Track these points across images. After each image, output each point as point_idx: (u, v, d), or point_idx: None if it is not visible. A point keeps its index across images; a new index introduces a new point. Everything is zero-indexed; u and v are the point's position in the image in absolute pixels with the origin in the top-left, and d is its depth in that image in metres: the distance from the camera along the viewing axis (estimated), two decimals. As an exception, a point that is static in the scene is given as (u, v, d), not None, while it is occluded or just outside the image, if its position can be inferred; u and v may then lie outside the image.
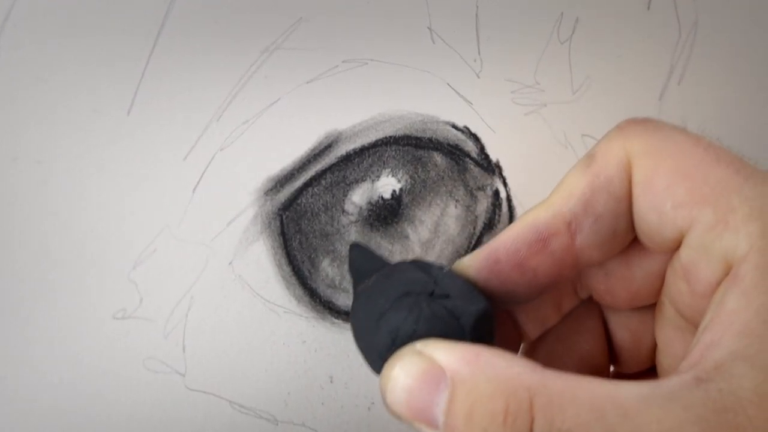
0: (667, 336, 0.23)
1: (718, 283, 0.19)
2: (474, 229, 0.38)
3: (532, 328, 0.26)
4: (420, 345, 0.19)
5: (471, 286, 0.22)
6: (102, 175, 0.33)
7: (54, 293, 0.33)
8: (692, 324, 0.21)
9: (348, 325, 0.37)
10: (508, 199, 0.39)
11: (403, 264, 0.23)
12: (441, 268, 0.22)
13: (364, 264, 0.24)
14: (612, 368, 0.27)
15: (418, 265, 0.22)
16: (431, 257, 0.38)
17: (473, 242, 0.38)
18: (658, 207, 0.20)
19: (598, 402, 0.16)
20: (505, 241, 0.22)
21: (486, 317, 0.21)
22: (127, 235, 0.33)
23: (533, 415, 0.17)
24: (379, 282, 0.22)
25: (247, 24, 0.33)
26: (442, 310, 0.20)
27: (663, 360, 0.24)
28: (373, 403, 0.38)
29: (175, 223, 0.34)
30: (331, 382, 0.37)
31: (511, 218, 0.39)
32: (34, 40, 0.31)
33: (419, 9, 0.35)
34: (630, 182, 0.21)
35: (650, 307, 0.24)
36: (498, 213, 0.39)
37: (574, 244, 0.22)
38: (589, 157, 0.22)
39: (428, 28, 0.36)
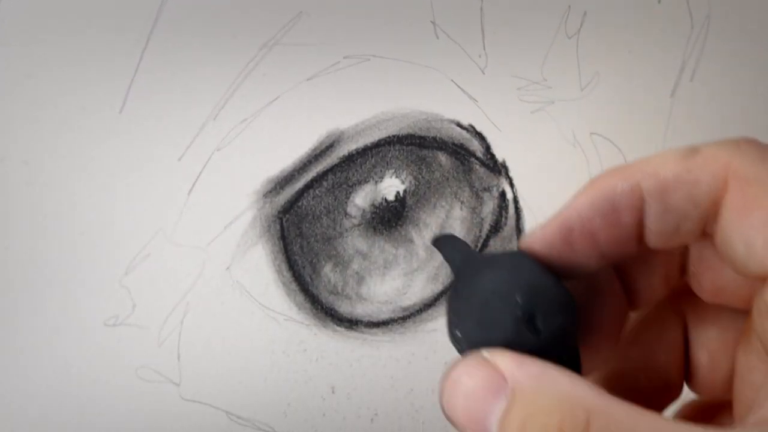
0: (750, 363, 0.23)
1: None
2: (480, 231, 0.38)
3: (642, 296, 0.26)
4: (487, 353, 0.19)
5: (561, 289, 0.22)
6: (92, 176, 0.33)
7: (43, 299, 0.32)
8: None
9: (350, 333, 0.37)
10: (515, 200, 0.39)
11: (487, 263, 0.23)
12: (520, 260, 0.22)
13: (451, 254, 0.25)
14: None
15: (499, 264, 0.22)
16: (436, 261, 0.38)
17: (479, 245, 0.38)
18: (749, 241, 0.20)
19: None
20: (577, 208, 0.22)
21: (569, 331, 0.21)
22: (119, 239, 0.33)
23: None
24: (468, 287, 0.22)
25: (245, 19, 0.33)
26: (524, 330, 0.20)
27: (740, 388, 0.24)
28: (376, 414, 0.37)
29: (170, 226, 0.34)
30: (333, 392, 0.37)
31: (518, 220, 0.39)
32: (21, 34, 0.31)
33: (422, 3, 0.35)
34: (716, 196, 0.21)
35: (734, 329, 0.24)
36: (504, 215, 0.39)
37: (644, 222, 0.22)
38: (692, 150, 0.21)
39: (432, 22, 0.36)
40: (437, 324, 0.38)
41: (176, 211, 0.34)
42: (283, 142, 0.35)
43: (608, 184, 0.22)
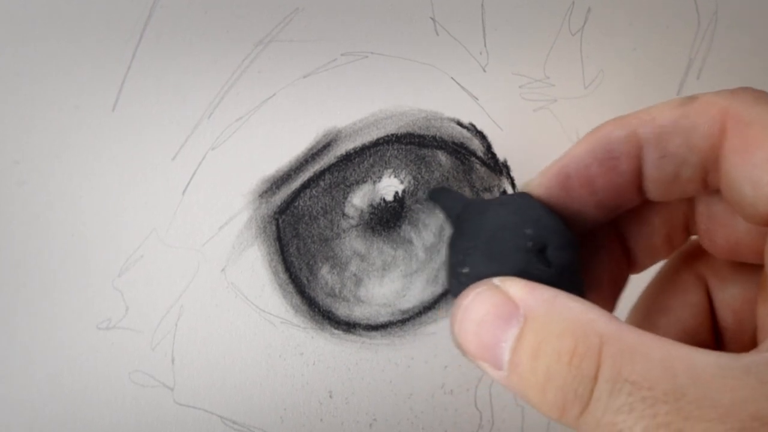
0: None
1: None
2: None
3: (642, 257, 0.26)
4: (498, 280, 0.20)
5: (567, 228, 0.22)
6: (85, 176, 0.32)
7: (33, 302, 0.32)
8: None
9: (348, 337, 0.37)
10: None
11: (492, 203, 0.23)
12: (526, 199, 0.23)
13: (451, 203, 0.25)
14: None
15: (505, 203, 0.23)
16: (436, 263, 0.37)
17: None
18: (755, 180, 0.20)
19: (672, 362, 0.17)
20: (576, 156, 0.22)
21: (576, 267, 0.21)
22: (112, 240, 0.33)
23: (600, 361, 0.17)
24: (474, 225, 0.22)
25: (240, 15, 0.33)
26: (534, 261, 0.21)
27: (764, 339, 0.24)
28: (375, 419, 0.37)
29: (164, 227, 0.34)
30: (331, 397, 0.36)
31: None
32: (10, 31, 0.31)
33: (422, -1, 0.35)
34: (714, 141, 0.21)
35: (755, 285, 0.24)
36: None
37: (642, 170, 0.22)
38: (689, 98, 0.22)
39: (431, 18, 0.36)
40: (437, 327, 0.38)
41: (170, 212, 0.34)
42: (279, 141, 0.35)
43: (606, 131, 0.22)
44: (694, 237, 0.26)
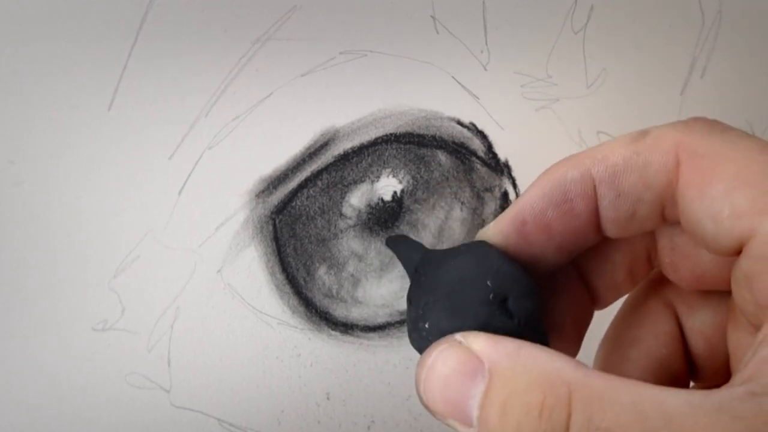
0: (739, 341, 0.23)
1: None
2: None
3: (604, 293, 0.26)
4: (460, 335, 0.20)
5: (527, 276, 0.22)
6: (80, 176, 0.32)
7: (29, 303, 0.32)
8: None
9: (345, 338, 0.37)
10: None
11: (450, 254, 0.23)
12: (484, 249, 0.22)
13: (408, 253, 0.25)
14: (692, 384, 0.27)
15: (463, 253, 0.23)
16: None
17: None
18: (715, 214, 0.20)
19: (642, 405, 0.17)
20: (531, 200, 0.22)
21: (539, 312, 0.21)
22: (107, 241, 0.33)
23: (570, 410, 0.17)
24: (433, 277, 0.22)
25: (237, 13, 0.33)
26: (496, 313, 0.21)
27: (736, 368, 0.24)
28: (372, 421, 0.37)
29: (160, 227, 0.33)
30: (328, 398, 0.36)
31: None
32: (6, 30, 0.30)
33: (422, -3, 0.35)
34: (669, 176, 0.21)
35: (723, 309, 0.24)
36: None
37: (599, 209, 0.22)
38: (641, 134, 0.22)
39: (431, 16, 0.35)
40: (436, 329, 0.38)
41: (166, 212, 0.34)
42: (277, 140, 0.34)
43: (559, 173, 0.22)
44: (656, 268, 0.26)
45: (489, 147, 0.37)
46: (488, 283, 0.21)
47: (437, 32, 0.36)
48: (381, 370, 0.37)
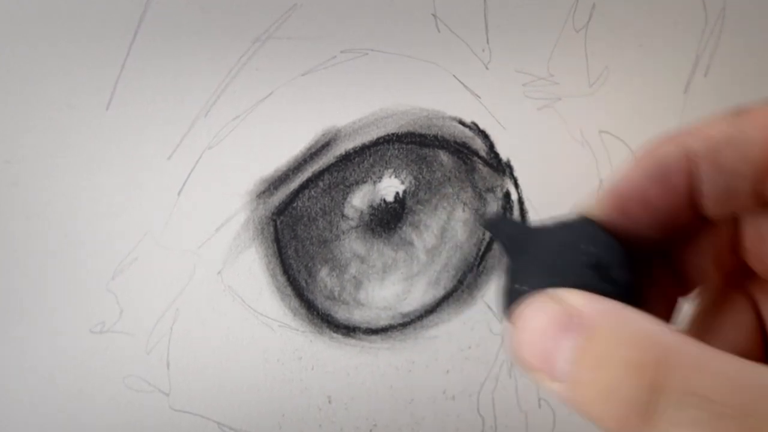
0: None
1: None
2: (483, 234, 0.38)
3: (691, 281, 0.26)
4: (561, 291, 0.20)
5: (623, 247, 0.22)
6: (78, 177, 0.32)
7: (25, 305, 0.32)
8: None
9: (347, 341, 0.37)
10: (520, 201, 0.38)
11: (551, 225, 0.24)
12: (585, 221, 0.23)
13: (510, 231, 0.25)
14: None
15: (566, 225, 0.23)
16: (438, 265, 0.37)
17: (482, 248, 0.38)
18: None
19: (741, 377, 0.17)
20: (631, 177, 0.23)
21: (637, 284, 0.22)
22: (105, 242, 0.33)
23: (667, 372, 0.17)
24: (533, 246, 0.23)
25: (237, 11, 0.33)
26: (596, 278, 0.21)
27: None
28: (375, 425, 0.37)
29: (159, 228, 0.33)
30: (330, 402, 0.36)
31: (523, 222, 0.38)
32: (3, 28, 0.30)
33: (423, -5, 0.35)
34: None
35: None
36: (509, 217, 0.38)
37: (698, 186, 0.22)
38: (741, 111, 0.22)
39: (433, 15, 0.35)
40: (438, 331, 0.37)
41: (165, 213, 0.33)
42: (277, 140, 0.34)
43: (660, 150, 0.22)
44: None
45: (491, 147, 0.37)
46: (591, 249, 0.22)
47: (438, 31, 0.36)
48: (383, 374, 0.37)
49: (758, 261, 0.24)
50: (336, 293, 0.36)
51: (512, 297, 0.21)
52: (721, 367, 0.17)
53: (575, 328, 0.18)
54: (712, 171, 0.22)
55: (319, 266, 0.36)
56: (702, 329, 0.26)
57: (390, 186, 0.36)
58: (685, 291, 0.26)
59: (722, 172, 0.21)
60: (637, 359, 0.17)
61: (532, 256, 0.22)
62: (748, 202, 0.22)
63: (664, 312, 0.26)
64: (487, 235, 0.38)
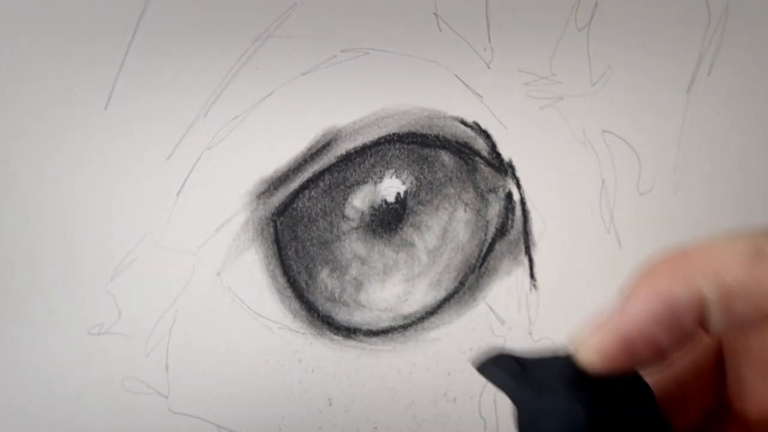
0: None
1: None
2: (485, 235, 0.38)
3: (675, 423, 0.26)
4: None
5: (654, 411, 0.22)
6: (76, 177, 0.32)
7: (23, 306, 0.32)
8: None
9: (348, 343, 0.36)
10: (522, 202, 0.38)
11: (553, 386, 0.23)
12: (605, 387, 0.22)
13: (507, 375, 0.24)
14: None
15: (575, 380, 0.22)
16: (439, 267, 0.37)
17: (484, 249, 0.38)
18: None
19: None
20: (638, 320, 0.22)
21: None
22: (104, 243, 0.33)
23: None
24: (537, 413, 0.22)
25: (237, 10, 0.33)
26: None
27: None
28: (375, 427, 0.37)
29: (158, 229, 0.33)
30: (330, 404, 0.36)
31: (526, 223, 0.38)
32: (1, 27, 0.30)
33: (424, -6, 0.35)
34: None
35: None
36: (511, 217, 0.38)
37: (706, 321, 0.21)
38: (758, 253, 0.21)
39: (434, 14, 0.35)
40: (440, 332, 0.37)
41: (164, 214, 0.33)
42: (277, 140, 0.34)
43: (668, 290, 0.21)
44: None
45: (493, 147, 0.37)
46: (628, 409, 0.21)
47: (440, 30, 0.36)
48: (384, 376, 0.37)
49: (736, 399, 0.24)
50: (336, 295, 0.36)
51: None
52: None
53: None
54: (724, 314, 0.21)
55: (319, 267, 0.36)
56: None
57: (391, 186, 0.36)
58: None
59: (734, 318, 0.21)
60: None
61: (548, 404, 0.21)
62: (757, 331, 0.22)
63: None
64: (489, 236, 0.38)
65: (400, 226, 0.36)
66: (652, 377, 0.24)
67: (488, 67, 0.37)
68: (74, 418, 0.33)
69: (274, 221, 0.35)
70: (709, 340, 0.22)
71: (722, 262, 0.21)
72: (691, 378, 0.24)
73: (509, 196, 0.38)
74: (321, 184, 0.35)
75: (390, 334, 0.37)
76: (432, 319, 0.37)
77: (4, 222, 0.31)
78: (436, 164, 0.37)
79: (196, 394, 0.34)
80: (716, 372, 0.24)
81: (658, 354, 0.21)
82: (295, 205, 0.35)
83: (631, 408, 0.21)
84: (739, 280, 0.20)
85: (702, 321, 0.21)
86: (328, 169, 0.35)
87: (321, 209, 0.35)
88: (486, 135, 0.37)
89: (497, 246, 0.38)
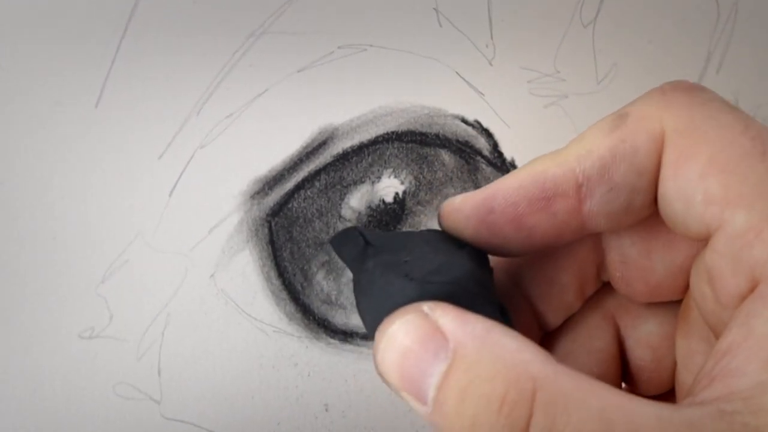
0: (690, 347, 0.23)
1: (744, 297, 0.19)
2: None
3: (552, 316, 0.26)
4: (428, 306, 0.19)
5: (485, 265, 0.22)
6: (66, 176, 0.32)
7: (11, 309, 0.32)
8: (717, 334, 0.21)
9: (345, 346, 0.36)
10: None
11: (413, 236, 0.23)
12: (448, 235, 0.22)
13: (353, 249, 0.24)
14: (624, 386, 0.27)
15: (427, 235, 0.23)
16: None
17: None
18: (687, 197, 0.20)
19: (609, 413, 0.17)
20: (503, 190, 0.22)
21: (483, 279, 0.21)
22: (95, 244, 0.33)
23: (533, 410, 0.17)
24: (382, 272, 0.21)
25: (230, 6, 0.33)
26: (470, 293, 0.20)
27: (683, 376, 0.24)
28: (373, 433, 0.37)
29: (150, 230, 0.33)
30: (327, 410, 0.36)
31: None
32: (-12, 22, 0.30)
33: (424, -12, 0.36)
34: (659, 157, 0.20)
35: (672, 316, 0.24)
36: None
37: (582, 208, 0.22)
38: (620, 117, 0.21)
39: (434, 9, 0.36)
40: (439, 337, 0.37)
41: (156, 214, 0.33)
42: (272, 138, 0.34)
43: (539, 167, 0.22)
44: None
45: (494, 146, 0.38)
46: (458, 260, 0.21)
47: (440, 25, 0.36)
48: (382, 381, 0.37)
49: (624, 284, 0.24)
50: (333, 297, 0.36)
51: (377, 309, 0.20)
52: (590, 402, 0.17)
53: (442, 353, 0.18)
54: (606, 190, 0.21)
55: (315, 269, 0.36)
56: (554, 354, 0.26)
57: (389, 186, 0.36)
58: (548, 326, 0.26)
59: (617, 190, 0.21)
60: (501, 394, 0.17)
61: (394, 259, 0.21)
62: (647, 211, 0.22)
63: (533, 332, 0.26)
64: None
65: (399, 226, 0.37)
66: (527, 260, 0.25)
67: (490, 64, 0.37)
68: (64, 424, 0.33)
69: (269, 222, 0.35)
70: (586, 231, 0.22)
71: (591, 138, 0.21)
72: (568, 263, 0.25)
73: (511, 196, 0.38)
74: (317, 183, 0.35)
75: (388, 338, 0.37)
76: (431, 322, 0.37)
77: (-9, 223, 0.31)
78: (436, 164, 0.37)
79: (189, 400, 0.34)
80: (596, 258, 0.24)
81: (516, 226, 0.22)
82: (290, 206, 0.35)
83: (462, 278, 0.21)
84: (608, 146, 0.21)
85: (576, 204, 0.21)
86: (325, 169, 0.35)
87: (317, 210, 0.35)
88: (488, 134, 0.37)
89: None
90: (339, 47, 0.35)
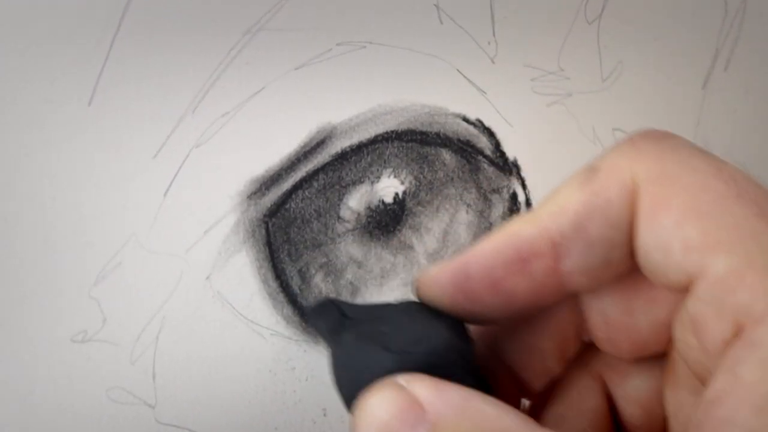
0: (678, 399, 0.23)
1: (729, 343, 0.19)
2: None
3: (535, 382, 0.26)
4: (403, 379, 0.19)
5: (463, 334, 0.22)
6: (58, 176, 0.32)
7: (2, 312, 0.32)
8: (704, 382, 0.21)
9: None
10: (528, 203, 0.38)
11: (388, 308, 0.23)
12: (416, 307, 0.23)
13: (329, 322, 0.24)
14: None
15: (401, 308, 0.23)
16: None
17: None
18: (665, 246, 0.20)
19: None
20: (478, 255, 0.22)
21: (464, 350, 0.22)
22: (87, 246, 0.33)
23: None
24: (360, 346, 0.22)
25: (226, 2, 0.33)
26: (446, 362, 0.21)
27: (675, 430, 0.24)
28: (373, 438, 0.37)
29: (144, 231, 0.33)
30: (325, 415, 0.36)
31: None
32: (-23, 18, 0.30)
33: (425, -16, 0.36)
34: (633, 210, 0.21)
35: (658, 370, 0.25)
36: None
37: (559, 267, 0.22)
38: (591, 170, 0.22)
39: (435, 5, 0.36)
40: (440, 340, 0.37)
41: (151, 215, 0.33)
42: (269, 138, 0.34)
43: (513, 229, 0.22)
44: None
45: (497, 145, 0.38)
46: (435, 331, 0.21)
47: (441, 22, 0.36)
48: (381, 385, 0.37)
49: (609, 344, 0.24)
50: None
51: (354, 382, 0.21)
52: None
53: (420, 424, 0.18)
54: (583, 246, 0.21)
55: (313, 271, 0.36)
56: (545, 420, 0.26)
57: (389, 186, 0.36)
58: (530, 393, 0.26)
59: (594, 245, 0.21)
60: None
61: (372, 330, 0.21)
62: (625, 267, 0.22)
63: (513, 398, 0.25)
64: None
65: (399, 228, 0.37)
66: (506, 328, 0.25)
67: (492, 62, 0.37)
68: (56, 429, 0.33)
69: (266, 222, 0.35)
70: (565, 291, 0.23)
71: (564, 194, 0.21)
72: (547, 328, 0.25)
73: (514, 196, 0.38)
74: (315, 183, 0.35)
75: (388, 341, 0.37)
76: (432, 326, 0.37)
77: (-19, 224, 0.31)
78: (437, 163, 0.37)
79: (184, 404, 0.34)
80: (575, 320, 0.24)
81: (494, 291, 0.22)
82: (287, 206, 0.35)
83: (444, 351, 0.21)
84: (581, 201, 0.21)
85: (553, 265, 0.21)
86: (323, 168, 0.35)
87: (315, 210, 0.35)
88: (490, 133, 0.37)
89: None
90: (337, 44, 0.35)
